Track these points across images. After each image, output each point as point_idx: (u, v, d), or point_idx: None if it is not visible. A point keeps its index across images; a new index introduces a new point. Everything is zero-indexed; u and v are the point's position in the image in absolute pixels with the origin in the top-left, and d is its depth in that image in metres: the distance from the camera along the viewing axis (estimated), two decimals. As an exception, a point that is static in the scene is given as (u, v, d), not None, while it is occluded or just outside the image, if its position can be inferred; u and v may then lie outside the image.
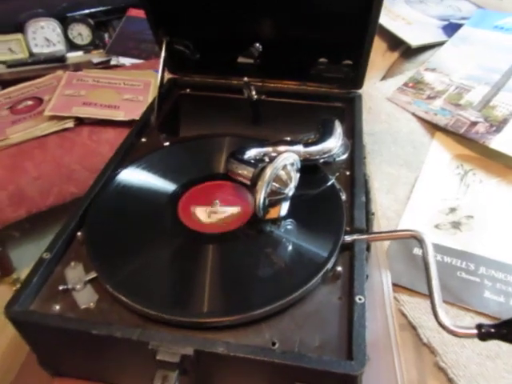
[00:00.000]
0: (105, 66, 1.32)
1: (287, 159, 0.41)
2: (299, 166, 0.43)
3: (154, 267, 0.43)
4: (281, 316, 0.39)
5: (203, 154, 0.56)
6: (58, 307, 0.40)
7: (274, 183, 0.41)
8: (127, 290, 0.39)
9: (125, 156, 0.55)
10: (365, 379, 0.35)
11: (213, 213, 0.47)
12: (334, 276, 0.42)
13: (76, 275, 0.42)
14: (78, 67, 1.26)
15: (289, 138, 0.50)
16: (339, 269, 0.42)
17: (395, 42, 0.98)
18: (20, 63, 1.36)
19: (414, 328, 0.49)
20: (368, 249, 0.45)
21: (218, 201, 0.48)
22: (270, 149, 0.49)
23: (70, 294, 0.41)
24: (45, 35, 1.40)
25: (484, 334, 0.37)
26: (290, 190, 0.42)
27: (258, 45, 0.64)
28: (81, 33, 1.44)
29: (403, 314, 0.51)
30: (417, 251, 0.57)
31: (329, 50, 0.62)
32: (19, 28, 1.35)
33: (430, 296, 0.40)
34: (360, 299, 0.38)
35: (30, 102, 1.06)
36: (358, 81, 0.63)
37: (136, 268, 0.42)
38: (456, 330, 0.38)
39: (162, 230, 0.46)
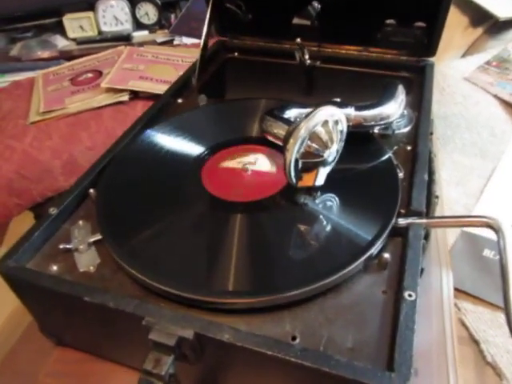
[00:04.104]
0: (168, 45, 1.32)
1: (330, 115, 0.33)
2: (345, 127, 0.36)
3: (167, 235, 0.37)
4: (308, 305, 0.33)
5: (236, 118, 0.51)
6: (55, 267, 0.36)
7: (309, 142, 0.33)
8: (131, 256, 0.35)
9: (157, 116, 0.51)
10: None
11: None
12: (380, 265, 0.35)
13: (81, 235, 0.37)
14: (141, 46, 1.26)
15: (339, 100, 0.42)
16: (386, 256, 0.34)
17: (479, 16, 0.87)
18: (89, 40, 1.39)
19: (476, 343, 0.43)
20: (426, 237, 0.37)
21: (248, 166, 0.42)
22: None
23: (71, 254, 0.36)
24: (114, 14, 1.42)
25: None
26: (331, 155, 0.34)
27: (316, 4, 0.57)
28: (148, 12, 1.44)
29: (464, 325, 0.44)
30: (488, 253, 0.49)
31: (398, 10, 0.54)
32: (91, 6, 1.38)
33: (505, 301, 0.32)
34: (410, 295, 0.31)
35: (90, 75, 1.07)
36: (432, 47, 0.55)
37: (146, 233, 0.37)
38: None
39: (181, 195, 0.41)
